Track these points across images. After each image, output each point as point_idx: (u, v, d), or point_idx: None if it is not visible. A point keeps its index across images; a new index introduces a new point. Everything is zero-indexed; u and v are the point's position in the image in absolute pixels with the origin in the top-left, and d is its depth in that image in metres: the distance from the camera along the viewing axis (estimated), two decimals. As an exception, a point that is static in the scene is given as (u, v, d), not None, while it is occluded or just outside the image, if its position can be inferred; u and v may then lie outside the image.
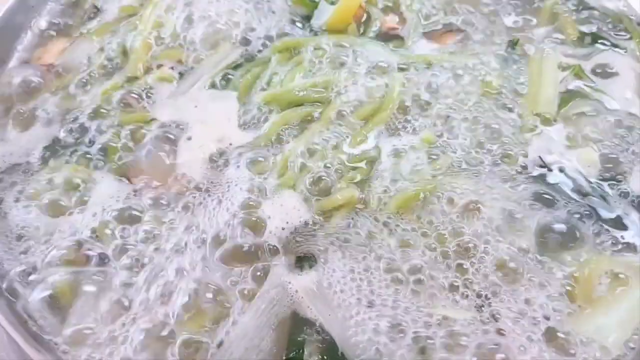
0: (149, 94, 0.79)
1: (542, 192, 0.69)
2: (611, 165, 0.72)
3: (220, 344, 0.60)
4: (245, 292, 0.63)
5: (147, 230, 0.67)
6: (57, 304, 0.62)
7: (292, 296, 0.62)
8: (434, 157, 0.72)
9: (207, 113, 0.77)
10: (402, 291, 0.62)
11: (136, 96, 0.79)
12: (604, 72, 0.81)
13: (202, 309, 0.61)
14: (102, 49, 0.85)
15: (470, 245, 0.65)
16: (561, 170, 0.71)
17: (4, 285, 0.64)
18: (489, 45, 0.84)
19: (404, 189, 0.68)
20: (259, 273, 0.64)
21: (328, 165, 0.71)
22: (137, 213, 0.68)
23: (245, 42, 0.85)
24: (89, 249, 0.66)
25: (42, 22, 0.88)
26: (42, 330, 0.61)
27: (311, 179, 0.70)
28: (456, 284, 0.63)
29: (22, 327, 0.61)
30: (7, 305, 0.62)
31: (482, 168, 0.71)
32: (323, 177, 0.70)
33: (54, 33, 0.88)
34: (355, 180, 0.70)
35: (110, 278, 0.64)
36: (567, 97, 0.78)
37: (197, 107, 0.78)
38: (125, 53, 0.84)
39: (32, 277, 0.64)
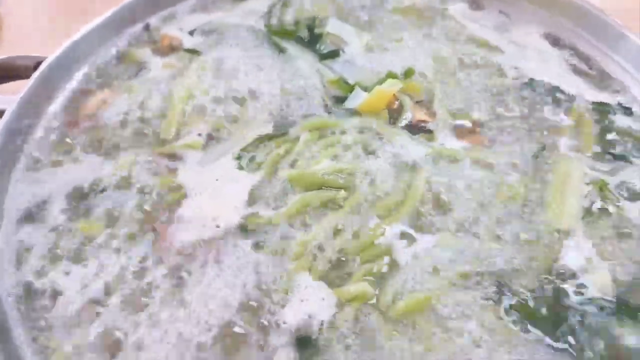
0: (176, 160, 0.81)
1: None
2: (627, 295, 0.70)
3: None
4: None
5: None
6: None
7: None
8: (450, 262, 0.71)
9: (228, 186, 0.78)
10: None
11: (164, 160, 0.81)
12: (630, 191, 0.81)
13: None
14: (137, 107, 0.87)
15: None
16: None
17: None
18: (516, 149, 0.85)
19: (415, 293, 0.68)
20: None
21: (345, 254, 0.71)
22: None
23: (276, 117, 0.86)
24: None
25: (86, 74, 0.91)
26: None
27: (327, 267, 0.70)
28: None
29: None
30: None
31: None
32: (339, 266, 0.70)
33: (95, 85, 0.90)
34: (369, 274, 0.70)
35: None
36: (590, 212, 0.77)
37: (219, 180, 0.79)
38: (159, 114, 0.86)
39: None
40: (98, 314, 0.67)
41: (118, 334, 0.65)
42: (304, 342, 0.64)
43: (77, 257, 0.71)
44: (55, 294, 0.69)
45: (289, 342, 0.64)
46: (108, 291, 0.68)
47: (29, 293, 0.69)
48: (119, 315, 0.67)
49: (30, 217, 0.75)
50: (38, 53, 0.90)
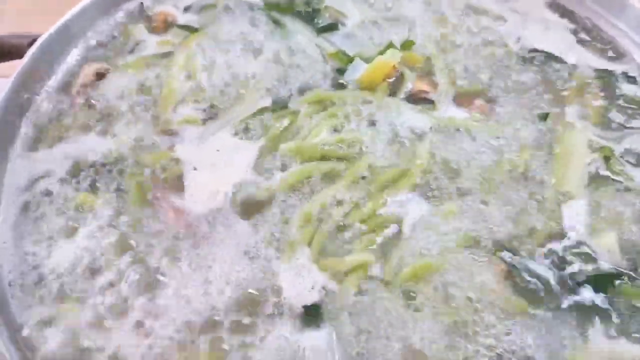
0: (175, 135, 0.80)
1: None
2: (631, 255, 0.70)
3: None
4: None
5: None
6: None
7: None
8: (454, 230, 0.70)
9: (228, 159, 0.77)
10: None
11: (162, 136, 0.80)
12: (636, 158, 0.80)
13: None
14: (135, 84, 0.86)
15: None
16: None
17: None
18: (520, 118, 0.83)
19: (418, 260, 0.67)
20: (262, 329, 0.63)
21: (346, 225, 0.70)
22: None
23: (276, 91, 0.85)
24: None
25: (81, 52, 0.90)
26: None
27: (328, 238, 0.69)
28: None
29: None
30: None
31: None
32: (340, 237, 0.69)
33: (91, 63, 0.89)
34: (371, 244, 0.69)
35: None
36: (595, 178, 0.76)
37: (220, 151, 0.78)
38: (156, 90, 0.85)
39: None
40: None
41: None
42: (307, 309, 0.64)
43: (75, 232, 0.70)
44: (55, 268, 0.68)
45: (292, 309, 0.64)
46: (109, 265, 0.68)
47: (28, 268, 0.68)
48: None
49: (29, 193, 0.74)
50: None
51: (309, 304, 0.64)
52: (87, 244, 0.69)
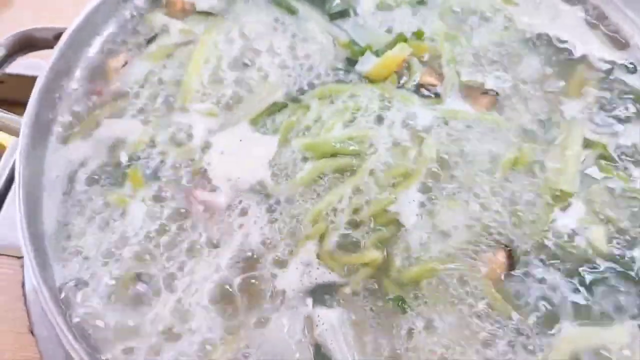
0: (193, 128, 0.85)
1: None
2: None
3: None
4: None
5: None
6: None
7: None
8: (459, 226, 0.76)
9: (247, 152, 0.82)
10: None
11: (183, 129, 0.84)
12: (632, 152, 0.84)
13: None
14: (155, 75, 0.89)
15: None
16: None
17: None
18: (526, 112, 0.87)
19: (422, 261, 0.73)
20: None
21: (357, 222, 0.76)
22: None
23: (289, 83, 0.89)
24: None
25: (103, 40, 0.93)
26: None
27: (339, 234, 0.75)
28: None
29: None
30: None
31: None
32: (350, 234, 0.75)
33: (113, 51, 0.92)
34: (381, 240, 0.75)
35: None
36: (590, 175, 0.81)
37: (242, 141, 0.83)
38: (176, 83, 0.88)
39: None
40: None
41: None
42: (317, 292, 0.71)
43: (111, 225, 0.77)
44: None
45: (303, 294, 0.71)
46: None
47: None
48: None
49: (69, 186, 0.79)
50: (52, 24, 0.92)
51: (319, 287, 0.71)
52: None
